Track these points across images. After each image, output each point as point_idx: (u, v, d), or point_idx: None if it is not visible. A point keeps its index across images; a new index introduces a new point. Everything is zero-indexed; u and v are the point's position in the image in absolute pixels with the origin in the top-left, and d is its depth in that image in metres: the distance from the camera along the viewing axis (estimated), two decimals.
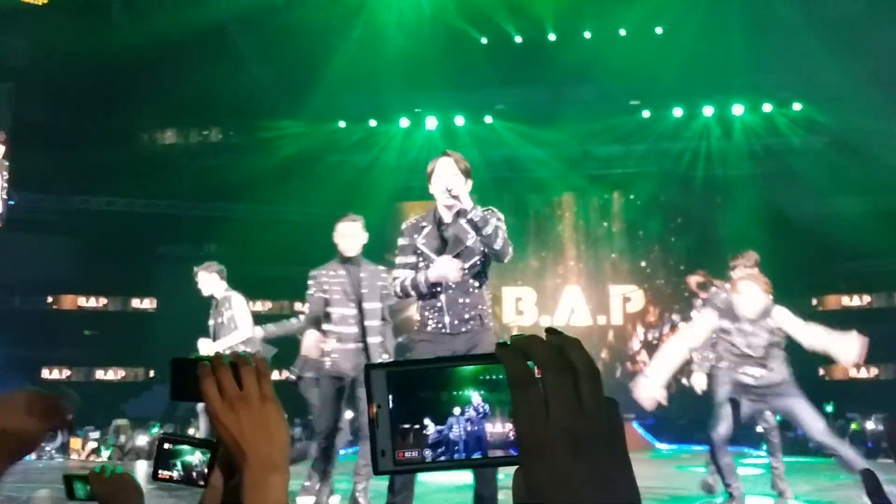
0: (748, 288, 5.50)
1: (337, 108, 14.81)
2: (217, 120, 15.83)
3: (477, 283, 4.43)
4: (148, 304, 15.80)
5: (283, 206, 14.91)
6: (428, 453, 0.61)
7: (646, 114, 15.19)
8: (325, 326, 5.73)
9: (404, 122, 15.50)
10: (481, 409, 0.61)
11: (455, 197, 4.28)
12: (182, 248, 15.06)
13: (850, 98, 13.81)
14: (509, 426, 0.60)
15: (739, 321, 5.57)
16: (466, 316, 4.40)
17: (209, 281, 7.00)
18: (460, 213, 4.39)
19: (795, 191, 14.72)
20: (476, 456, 0.61)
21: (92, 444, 11.65)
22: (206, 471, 1.35)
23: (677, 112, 15.12)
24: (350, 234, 5.80)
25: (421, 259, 4.45)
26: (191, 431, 9.97)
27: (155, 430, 11.84)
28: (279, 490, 1.02)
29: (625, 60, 13.78)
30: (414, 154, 15.20)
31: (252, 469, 1.02)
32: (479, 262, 4.42)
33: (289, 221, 14.62)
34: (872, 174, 13.94)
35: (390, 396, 0.61)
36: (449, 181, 4.34)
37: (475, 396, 0.61)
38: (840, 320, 14.88)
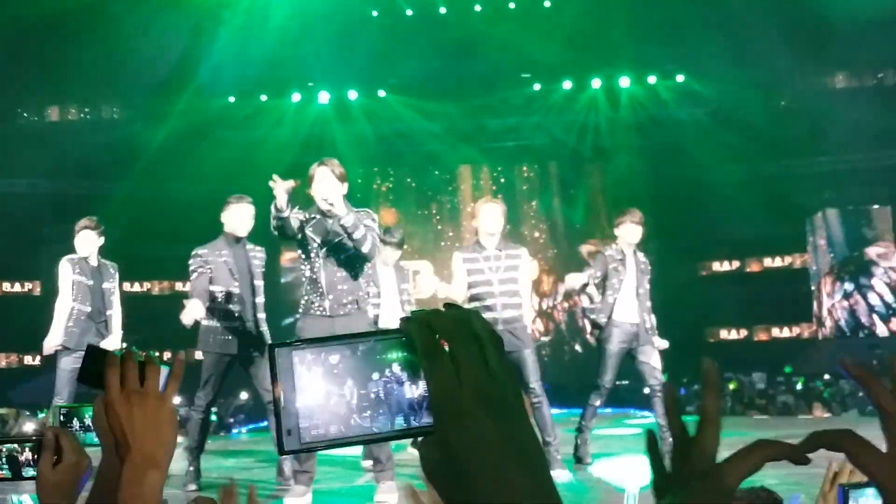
0: None
1: (226, 82, 14.49)
2: (101, 95, 15.30)
3: (354, 271, 5.08)
4: (32, 287, 15.24)
5: (170, 184, 14.55)
6: (333, 430, 0.60)
7: (536, 87, 15.40)
8: (209, 305, 5.80)
9: (296, 97, 15.29)
10: (386, 384, 0.61)
11: (331, 205, 4.89)
12: (66, 228, 14.54)
13: (729, 70, 14.32)
14: (415, 398, 0.61)
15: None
16: (344, 300, 5.04)
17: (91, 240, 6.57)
18: (336, 213, 4.97)
19: (679, 161, 15.21)
20: (383, 430, 0.61)
21: None
22: (31, 465, 1.40)
23: (567, 85, 15.36)
24: (243, 216, 5.94)
25: (309, 243, 5.11)
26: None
27: (42, 415, 11.49)
28: (155, 486, 1.06)
29: (515, 33, 13.92)
30: (307, 130, 15.04)
31: (133, 463, 1.06)
32: (353, 254, 5.03)
33: (177, 199, 14.29)
34: (750, 144, 14.53)
35: (295, 375, 0.60)
36: (326, 191, 4.94)
37: (380, 371, 0.61)
38: (720, 284, 15.63)
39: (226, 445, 8.43)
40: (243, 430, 11.24)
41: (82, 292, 6.49)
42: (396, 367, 0.62)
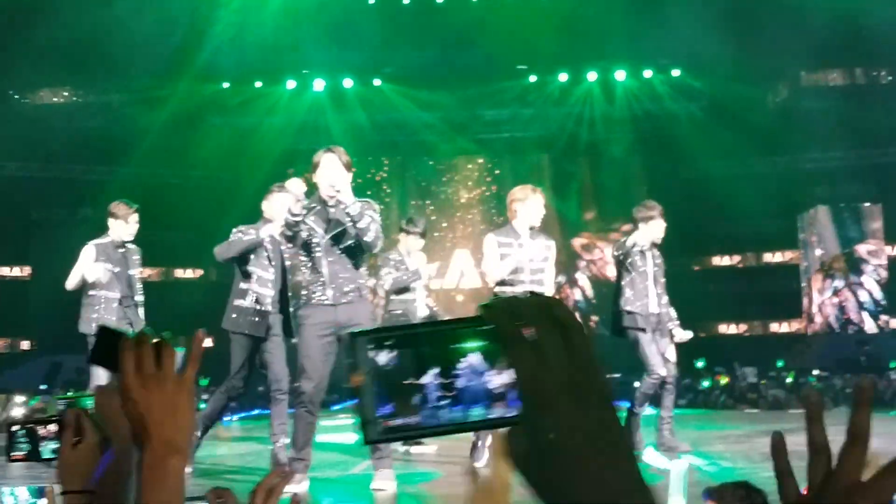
0: None
1: (221, 68, 14.40)
2: (94, 79, 15.18)
3: (356, 261, 5.11)
4: (21, 271, 15.14)
5: (163, 169, 14.47)
6: (415, 419, 0.60)
7: (532, 78, 15.37)
8: (243, 285, 5.96)
9: (291, 84, 15.22)
10: (466, 372, 0.60)
11: (338, 191, 4.94)
12: (57, 213, 14.48)
13: (725, 65, 14.34)
14: (495, 387, 0.60)
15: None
16: (346, 289, 5.07)
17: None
18: (340, 202, 5.03)
19: (673, 155, 15.24)
20: (466, 420, 0.60)
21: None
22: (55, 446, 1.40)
23: (562, 77, 15.35)
24: (284, 205, 5.87)
25: (310, 234, 5.11)
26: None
27: (34, 402, 11.43)
28: (178, 471, 1.04)
29: (512, 25, 13.89)
30: (301, 117, 14.99)
31: (153, 449, 1.03)
32: (355, 243, 5.06)
33: (170, 185, 14.22)
34: (744, 140, 14.57)
35: (376, 363, 0.60)
36: (333, 177, 4.98)
37: (459, 360, 0.60)
38: (713, 279, 15.69)
39: (217, 433, 8.40)
40: (234, 417, 11.21)
41: (108, 279, 6.40)
42: (476, 356, 0.61)
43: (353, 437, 6.24)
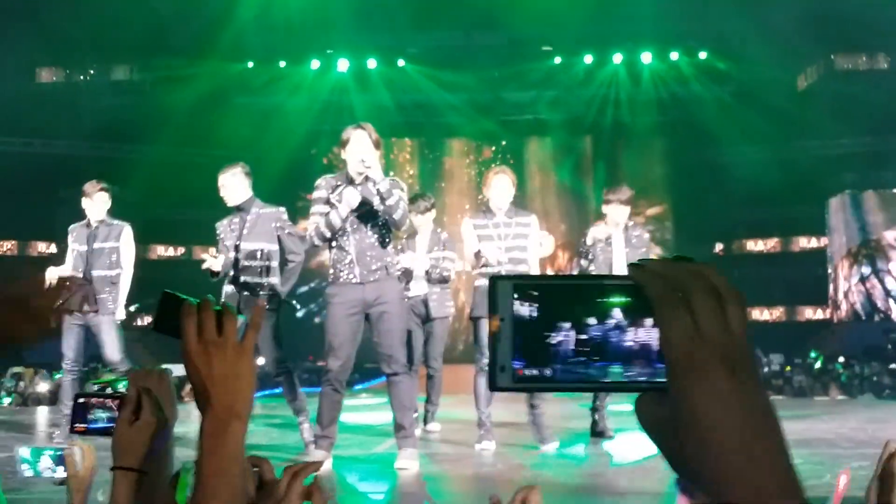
0: None
1: (246, 47, 14.41)
2: (120, 57, 15.24)
3: (383, 238, 5.10)
4: (48, 248, 15.28)
5: (188, 148, 14.52)
6: (549, 372, 0.58)
7: (557, 60, 15.27)
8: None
9: (315, 64, 15.20)
10: (606, 329, 0.58)
11: (368, 167, 4.90)
12: (83, 191, 14.54)
13: (753, 48, 14.17)
14: (635, 347, 0.58)
15: None
16: (374, 267, 5.05)
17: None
18: (368, 179, 5.01)
19: (700, 138, 15.11)
20: (602, 378, 0.58)
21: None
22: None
23: (588, 59, 15.23)
24: (227, 185, 5.87)
25: (333, 210, 5.08)
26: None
27: (58, 376, 11.55)
28: (238, 437, 1.05)
29: (537, 6, 13.78)
30: (325, 97, 14.98)
31: (214, 414, 1.05)
32: (382, 221, 5.08)
33: (195, 164, 14.26)
34: (771, 124, 14.41)
35: (514, 310, 0.58)
36: (363, 153, 4.96)
37: (601, 316, 0.59)
38: (739, 265, 15.58)
39: None
40: (260, 394, 11.31)
41: (75, 259, 6.57)
42: (619, 314, 0.58)
43: (375, 417, 6.24)
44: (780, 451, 0.56)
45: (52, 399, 10.54)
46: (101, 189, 6.67)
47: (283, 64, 15.17)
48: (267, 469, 1.31)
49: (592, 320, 0.58)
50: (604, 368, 0.58)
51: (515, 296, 0.58)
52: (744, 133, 14.37)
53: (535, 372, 0.58)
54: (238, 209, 5.88)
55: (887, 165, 15.09)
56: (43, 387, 11.44)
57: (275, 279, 5.85)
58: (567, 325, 0.58)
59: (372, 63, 15.14)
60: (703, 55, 15.16)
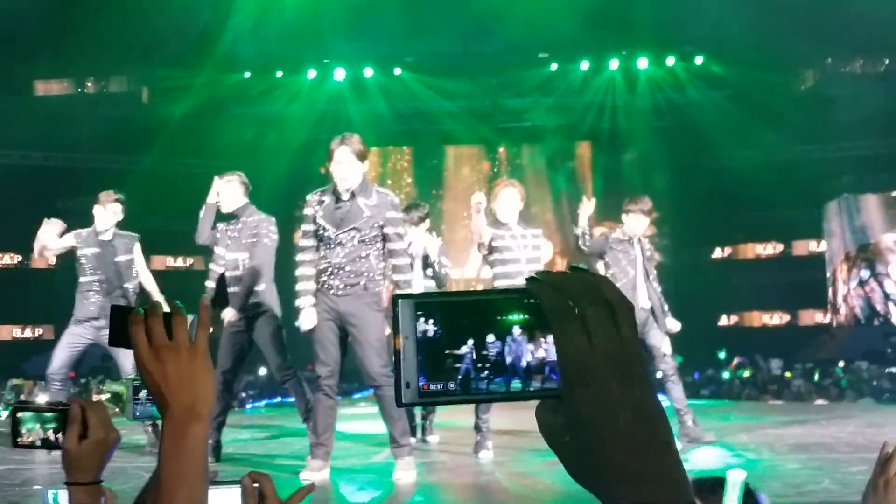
0: None
1: (242, 57, 14.44)
2: (117, 68, 15.26)
3: (367, 253, 5.11)
4: (46, 260, 15.28)
5: (185, 159, 14.54)
6: (453, 386, 0.60)
7: (554, 67, 15.29)
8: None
9: (312, 74, 15.22)
10: (506, 343, 0.60)
11: (349, 192, 5.05)
12: (81, 202, 14.56)
13: (749, 52, 14.19)
14: (535, 360, 0.60)
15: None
16: (351, 281, 5.11)
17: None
18: (355, 196, 5.05)
19: (697, 144, 15.12)
20: (503, 388, 0.60)
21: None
22: (59, 435, 1.41)
23: (584, 65, 15.25)
24: (221, 192, 5.98)
25: (320, 229, 5.14)
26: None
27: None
28: (198, 439, 1.05)
29: (533, 12, 13.80)
30: (322, 106, 14.99)
31: (173, 418, 1.04)
32: (368, 237, 5.10)
33: (193, 174, 14.27)
34: (768, 128, 14.42)
35: (417, 328, 0.60)
36: (344, 173, 5.03)
37: (500, 330, 0.60)
38: (740, 269, 15.57)
39: (240, 420, 8.46)
40: (259, 404, 11.31)
41: (90, 263, 6.51)
42: (517, 328, 0.60)
43: (374, 426, 6.24)
44: (668, 456, 0.58)
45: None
46: (116, 200, 6.66)
47: (279, 74, 15.18)
48: (267, 485, 1.31)
49: (492, 335, 0.60)
50: (504, 380, 0.60)
51: (418, 314, 0.60)
52: (741, 137, 14.38)
53: (439, 387, 0.60)
54: (231, 216, 5.97)
55: (884, 168, 15.10)
56: (42, 399, 11.42)
57: (261, 287, 5.87)
58: (469, 340, 0.60)
59: (368, 72, 15.16)
60: (699, 60, 15.18)
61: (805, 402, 11.00)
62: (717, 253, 15.92)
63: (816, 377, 11.79)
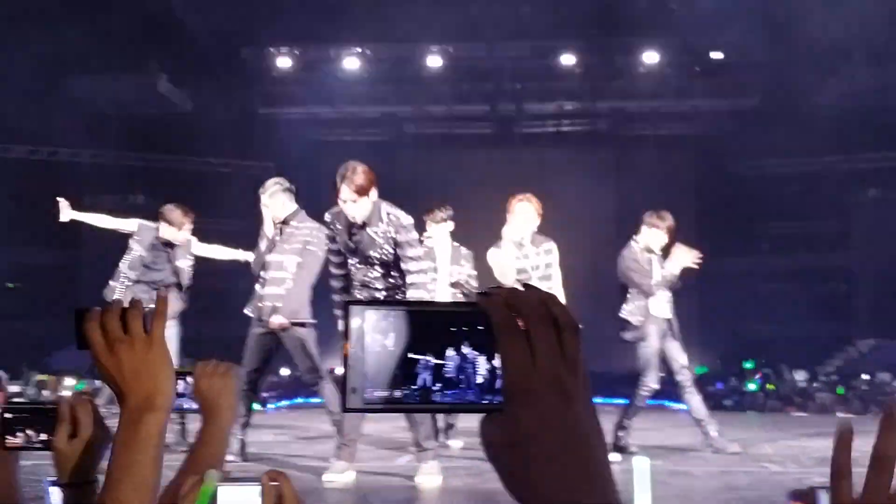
0: None
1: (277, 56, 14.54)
2: (145, 68, 15.39)
3: (388, 271, 5.13)
4: (72, 255, 15.42)
5: (213, 157, 14.65)
6: (399, 394, 0.60)
7: (578, 70, 15.25)
8: None
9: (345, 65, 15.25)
10: (457, 355, 0.61)
11: (357, 222, 5.05)
12: (108, 199, 14.70)
13: (778, 60, 14.11)
14: (484, 373, 0.61)
15: None
16: (376, 294, 5.15)
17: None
18: (365, 224, 5.06)
19: (722, 151, 15.04)
20: (448, 400, 0.61)
21: (16, 399, 11.43)
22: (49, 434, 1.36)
23: (609, 68, 15.20)
24: (269, 205, 5.93)
25: (342, 251, 5.24)
26: None
27: (80, 386, 11.65)
28: (152, 427, 1.06)
29: (558, 16, 13.80)
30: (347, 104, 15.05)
31: (129, 408, 1.06)
32: (387, 258, 5.09)
33: (220, 173, 14.38)
34: (795, 138, 14.33)
35: (366, 334, 0.61)
36: (350, 210, 5.01)
37: (450, 342, 0.61)
38: (765, 279, 15.45)
39: (264, 420, 8.50)
40: (281, 404, 11.38)
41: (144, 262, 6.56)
42: (467, 341, 0.61)
43: (400, 430, 6.26)
44: (601, 479, 0.58)
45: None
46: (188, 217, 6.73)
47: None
48: (286, 485, 1.31)
49: (441, 347, 0.61)
50: (451, 392, 0.61)
51: (369, 321, 0.61)
52: (767, 146, 14.29)
53: (385, 394, 0.60)
54: (283, 223, 5.93)
55: None
56: (67, 395, 11.53)
57: (298, 291, 5.85)
58: (418, 350, 0.61)
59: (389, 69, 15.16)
60: (725, 67, 15.09)
61: (830, 414, 10.91)
62: (742, 263, 15.83)
63: (840, 390, 11.70)
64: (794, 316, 15.45)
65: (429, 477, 5.03)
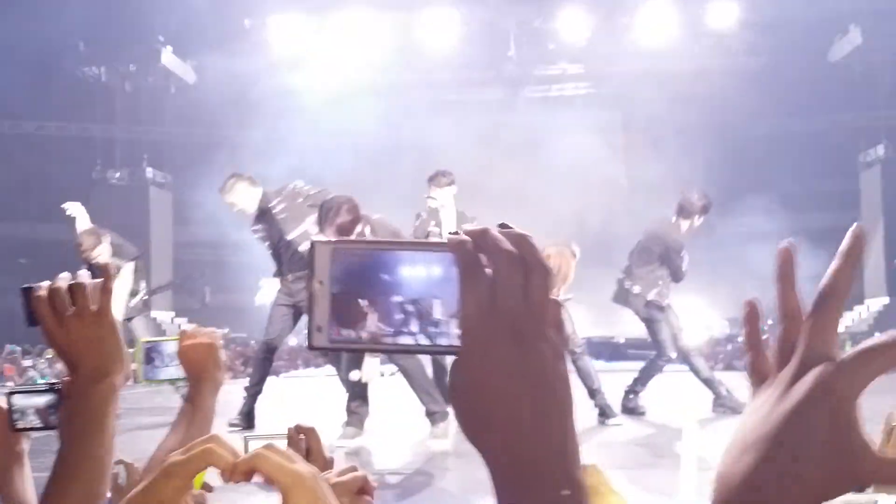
0: None
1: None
2: (151, 43, 15.37)
3: None
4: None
5: (218, 130, 14.64)
6: (364, 334, 0.60)
7: (587, 35, 15.13)
8: None
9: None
10: (425, 296, 0.59)
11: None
12: (117, 173, 14.75)
13: (787, 21, 13.97)
14: (451, 316, 0.59)
15: None
16: None
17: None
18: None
19: (727, 111, 14.92)
20: (412, 342, 0.60)
21: (29, 372, 11.55)
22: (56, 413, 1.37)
23: (606, 28, 15.06)
24: (236, 202, 5.94)
25: None
26: None
27: None
28: (103, 396, 1.08)
29: None
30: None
31: (80, 379, 1.08)
32: None
33: (230, 145, 14.37)
34: (802, 96, 14.23)
35: (332, 273, 0.60)
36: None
37: (420, 282, 0.60)
38: (764, 239, 15.37)
39: (273, 388, 8.55)
40: (291, 373, 11.47)
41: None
42: (436, 282, 0.60)
43: (410, 394, 6.30)
44: (561, 427, 0.56)
45: None
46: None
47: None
48: (314, 438, 1.32)
49: (408, 287, 0.60)
50: (417, 333, 0.60)
51: (335, 260, 0.60)
52: (773, 105, 14.19)
53: (350, 334, 0.60)
54: (260, 213, 5.88)
55: None
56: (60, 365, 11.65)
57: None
58: (384, 290, 0.60)
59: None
60: (733, 24, 14.92)
61: None
62: (746, 223, 15.76)
63: (848, 346, 11.70)
64: (804, 276, 15.41)
65: (439, 440, 5.08)
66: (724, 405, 6.37)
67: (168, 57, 15.31)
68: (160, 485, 0.62)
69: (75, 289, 1.10)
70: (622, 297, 6.55)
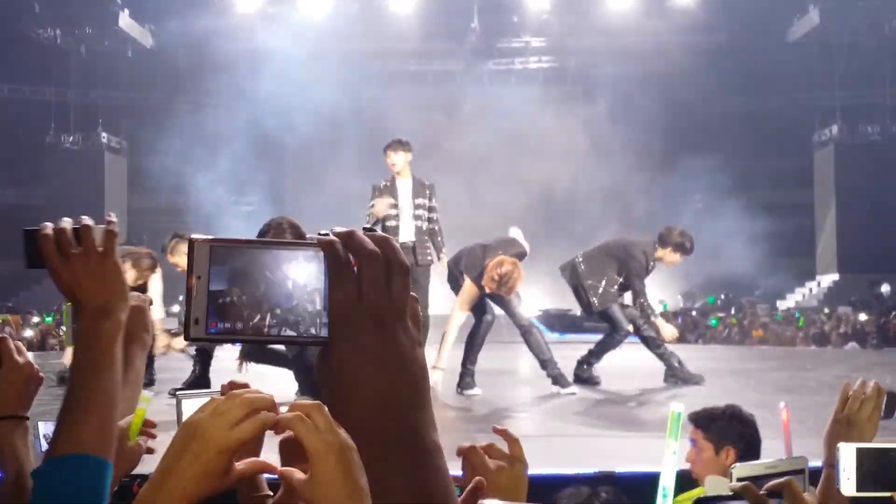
0: None
1: None
2: (108, 5, 15.07)
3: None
4: (35, 194, 15.21)
5: (176, 95, 14.43)
6: (240, 326, 0.64)
7: (547, 8, 15.15)
8: None
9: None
10: (295, 291, 0.64)
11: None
12: (71, 137, 14.48)
13: (746, 1, 14.10)
14: (320, 308, 0.64)
15: None
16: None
17: None
18: None
19: (686, 89, 15.06)
20: (283, 332, 0.64)
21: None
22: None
23: (579, 6, 15.12)
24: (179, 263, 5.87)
25: None
26: None
27: (50, 319, 11.62)
28: (109, 334, 1.11)
29: None
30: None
31: (86, 316, 1.11)
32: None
33: (187, 111, 14.17)
34: (758, 75, 14.39)
35: (210, 269, 0.64)
36: None
37: (292, 278, 0.64)
38: (724, 218, 15.61)
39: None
40: None
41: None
42: (308, 278, 0.64)
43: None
44: (415, 398, 0.63)
45: (40, 345, 10.59)
46: None
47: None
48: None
49: (281, 281, 0.64)
50: (287, 324, 0.64)
51: (212, 256, 0.64)
52: (730, 83, 14.34)
53: (226, 326, 0.64)
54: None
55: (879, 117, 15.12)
56: (28, 333, 11.48)
57: None
58: (258, 284, 0.64)
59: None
60: (694, 3, 15.02)
61: (792, 346, 11.17)
62: (704, 200, 16.00)
63: (801, 322, 11.97)
64: (758, 252, 15.72)
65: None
66: (675, 376, 6.45)
67: (125, 20, 15.03)
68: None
69: (81, 230, 1.12)
70: (573, 280, 6.57)
